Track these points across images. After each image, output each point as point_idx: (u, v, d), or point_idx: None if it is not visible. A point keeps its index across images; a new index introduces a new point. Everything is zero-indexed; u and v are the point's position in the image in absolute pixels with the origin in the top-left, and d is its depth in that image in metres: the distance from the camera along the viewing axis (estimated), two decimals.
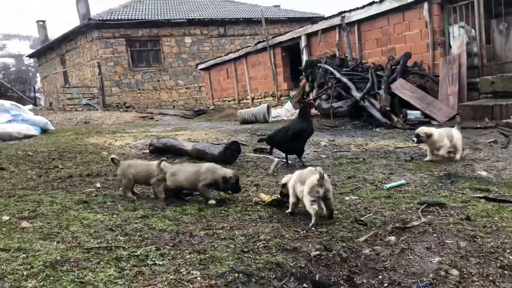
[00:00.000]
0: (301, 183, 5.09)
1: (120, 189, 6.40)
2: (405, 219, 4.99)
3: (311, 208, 5.01)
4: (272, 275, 3.69)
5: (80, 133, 14.80)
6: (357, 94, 13.91)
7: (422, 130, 7.83)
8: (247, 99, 24.92)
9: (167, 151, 9.31)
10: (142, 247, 4.18)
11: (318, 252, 4.17)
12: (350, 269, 3.90)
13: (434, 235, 4.52)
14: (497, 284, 3.47)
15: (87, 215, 5.25)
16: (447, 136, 7.75)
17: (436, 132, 7.75)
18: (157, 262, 3.83)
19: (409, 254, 4.11)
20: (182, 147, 9.10)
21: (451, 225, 4.76)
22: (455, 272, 3.68)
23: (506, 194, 5.81)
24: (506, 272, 3.68)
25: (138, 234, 4.58)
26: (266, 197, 5.83)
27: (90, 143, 11.91)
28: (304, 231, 4.74)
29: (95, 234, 4.57)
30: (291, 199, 5.32)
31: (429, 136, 7.70)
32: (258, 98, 23.92)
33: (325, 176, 5.01)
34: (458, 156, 7.81)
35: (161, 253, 4.04)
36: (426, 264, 3.89)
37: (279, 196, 5.71)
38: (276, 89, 22.25)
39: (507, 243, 4.22)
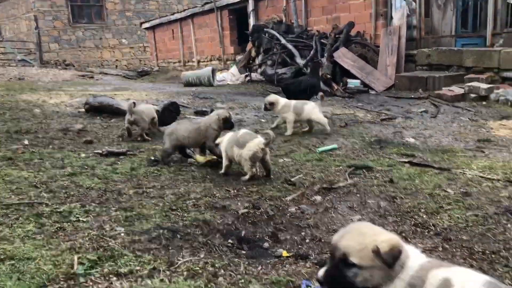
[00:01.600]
0: (239, 146, 5.11)
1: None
2: (333, 180, 5.19)
3: (250, 171, 5.10)
4: (198, 232, 3.73)
5: (12, 89, 13.95)
6: (301, 61, 14.03)
7: (268, 98, 7.87)
8: (192, 61, 24.42)
9: (104, 110, 9.02)
10: (67, 204, 4.08)
11: (246, 210, 4.26)
12: (276, 226, 4.02)
13: (358, 195, 4.74)
14: (409, 240, 3.71)
15: (10, 171, 5.03)
16: (294, 109, 7.62)
17: (281, 102, 7.71)
18: (80, 219, 3.77)
19: (332, 212, 4.29)
20: (120, 107, 8.85)
21: (375, 186, 5.00)
22: None
23: (429, 159, 6.16)
24: (418, 229, 3.94)
25: (63, 191, 4.46)
26: (200, 158, 5.84)
27: (22, 100, 11.29)
28: (235, 191, 4.82)
29: (17, 190, 4.41)
30: (225, 162, 5.36)
31: (271, 104, 7.73)
32: (204, 61, 23.52)
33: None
34: (327, 129, 7.64)
35: (85, 210, 3.97)
36: (347, 221, 4.07)
37: (213, 157, 5.73)
38: (223, 52, 21.94)
39: (423, 203, 4.50)
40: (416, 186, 5.02)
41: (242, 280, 2.96)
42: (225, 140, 5.30)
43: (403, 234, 3.82)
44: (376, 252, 1.87)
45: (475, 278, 1.91)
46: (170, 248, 3.36)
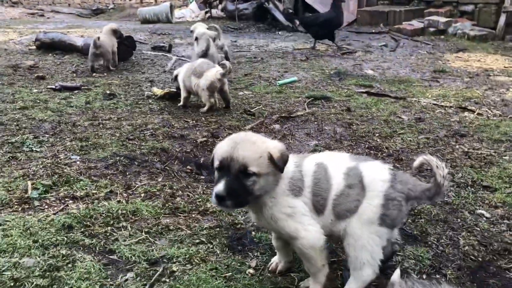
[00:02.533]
0: (196, 75, 5.02)
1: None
2: (292, 110, 5.23)
3: (208, 101, 5.05)
4: (156, 159, 3.73)
5: None
6: None
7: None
8: None
9: (56, 47, 8.58)
10: (19, 136, 3.96)
11: (205, 139, 4.26)
12: None
13: (315, 123, 4.81)
14: None
15: None
16: None
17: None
18: (34, 149, 3.68)
19: (290, 139, 4.35)
20: (72, 43, 8.44)
21: (332, 115, 5.08)
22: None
23: (386, 89, 6.27)
24: (372, 151, 4.07)
25: (15, 123, 4.31)
26: (158, 91, 5.72)
27: None
28: (194, 121, 4.79)
29: None
30: (183, 93, 5.27)
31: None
32: None
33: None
34: None
35: (39, 141, 3.86)
36: (304, 147, 4.16)
37: (172, 89, 5.62)
38: None
39: (377, 128, 4.63)
40: (372, 114, 5.14)
41: (200, 199, 3.01)
42: (182, 71, 5.19)
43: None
44: (271, 158, 1.91)
45: (342, 155, 2.17)
46: (127, 173, 3.35)
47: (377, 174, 2.02)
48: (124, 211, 2.77)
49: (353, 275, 2.04)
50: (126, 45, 7.88)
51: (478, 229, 2.79)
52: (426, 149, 4.11)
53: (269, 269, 2.30)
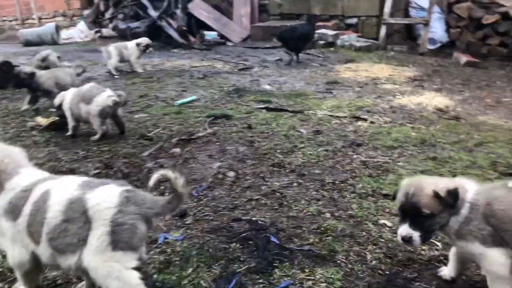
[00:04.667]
0: (85, 102, 4.63)
1: None
2: (192, 131, 5.05)
3: (100, 129, 4.68)
4: None
5: None
6: (154, 13, 13.31)
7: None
8: (33, 18, 21.74)
9: None
10: None
11: (98, 171, 3.92)
12: (132, 184, 3.76)
13: (217, 143, 4.67)
14: (266, 180, 3.77)
15: None
16: None
17: None
18: None
19: (192, 163, 4.17)
20: None
21: (234, 133, 4.99)
22: (231, 173, 3.88)
23: (284, 104, 6.35)
24: (275, 169, 4.02)
25: None
26: (43, 121, 5.21)
27: None
28: (85, 152, 4.40)
29: None
30: (71, 122, 4.83)
31: None
32: (46, 18, 21.06)
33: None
34: None
35: None
36: (207, 170, 4.00)
37: (57, 118, 5.14)
38: (68, 7, 19.87)
39: (279, 144, 4.62)
40: (272, 130, 5.13)
41: None
42: (67, 98, 4.76)
43: (261, 175, 3.87)
44: None
45: (73, 182, 2.06)
46: None
47: (103, 202, 1.93)
48: (1, 268, 2.38)
49: None
50: (4, 71, 7.13)
51: (383, 240, 2.82)
52: (326, 161, 4.16)
53: None
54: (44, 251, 2.00)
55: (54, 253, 1.98)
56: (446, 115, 5.77)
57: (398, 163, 4.12)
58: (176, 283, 2.36)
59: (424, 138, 4.80)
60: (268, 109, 6.09)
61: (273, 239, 2.68)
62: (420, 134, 4.95)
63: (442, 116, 5.71)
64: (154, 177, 2.05)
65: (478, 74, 8.63)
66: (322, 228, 2.90)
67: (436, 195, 2.01)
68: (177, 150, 4.47)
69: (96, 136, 4.71)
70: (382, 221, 3.06)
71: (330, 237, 2.81)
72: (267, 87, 7.48)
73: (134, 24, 13.64)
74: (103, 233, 1.89)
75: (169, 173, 2.02)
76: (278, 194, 3.46)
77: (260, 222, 2.97)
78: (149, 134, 4.90)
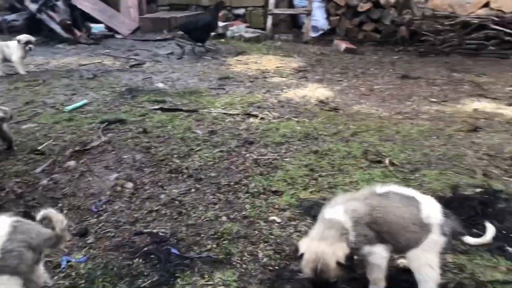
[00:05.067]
0: None
1: None
2: (86, 141, 5.01)
3: None
4: None
5: None
6: (32, 5, 12.42)
7: None
8: None
9: None
10: None
11: None
12: (27, 204, 3.72)
13: (113, 152, 4.72)
14: (165, 188, 3.96)
15: None
16: None
17: None
18: None
19: (89, 176, 4.20)
20: None
21: (129, 140, 5.06)
22: (130, 184, 4.00)
23: (178, 103, 6.50)
24: (173, 175, 4.22)
25: None
26: None
27: None
28: None
29: None
30: None
31: None
32: None
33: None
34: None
35: None
36: (105, 182, 4.07)
37: None
38: None
39: (175, 149, 4.80)
40: (168, 133, 5.28)
41: None
42: None
43: (160, 183, 4.04)
44: None
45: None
46: None
47: None
48: None
49: None
50: None
51: (273, 237, 3.19)
52: (221, 163, 4.45)
53: None
54: None
55: None
56: (326, 107, 6.35)
57: (285, 159, 4.54)
58: None
59: (308, 132, 5.29)
60: (162, 109, 6.19)
61: (173, 250, 2.90)
62: (304, 128, 5.44)
63: (323, 108, 6.28)
64: (41, 214, 2.26)
65: (355, 62, 9.49)
66: (219, 233, 3.19)
67: (339, 264, 2.24)
68: (72, 163, 4.45)
69: None
70: (272, 218, 3.43)
71: (226, 241, 3.11)
72: (161, 85, 7.54)
73: (10, 17, 12.64)
74: None
75: (52, 215, 2.23)
76: (177, 202, 3.67)
77: (161, 233, 3.17)
78: (40, 148, 4.78)
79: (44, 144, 4.90)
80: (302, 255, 2.29)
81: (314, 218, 2.77)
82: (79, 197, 3.84)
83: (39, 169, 4.28)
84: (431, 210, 2.44)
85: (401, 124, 5.65)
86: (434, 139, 5.14)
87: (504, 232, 3.15)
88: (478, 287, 2.57)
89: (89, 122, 5.65)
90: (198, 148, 4.83)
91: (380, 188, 2.53)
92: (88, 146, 4.84)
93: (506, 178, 4.06)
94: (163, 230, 3.22)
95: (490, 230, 2.52)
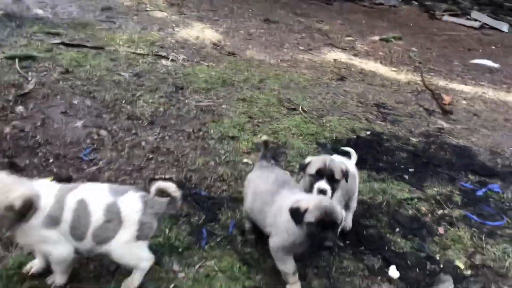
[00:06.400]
0: None
1: None
2: (14, 82, 4.77)
3: None
4: None
5: None
6: None
7: None
8: None
9: None
10: None
11: None
12: (6, 155, 3.71)
13: (58, 97, 4.70)
14: (139, 135, 4.31)
15: None
16: None
17: None
18: None
19: (52, 123, 4.23)
20: None
21: (61, 82, 4.99)
22: (104, 132, 4.24)
23: (76, 37, 6.31)
24: (134, 121, 4.53)
25: None
26: None
27: None
28: None
29: None
30: None
31: None
32: None
33: None
34: None
35: None
36: (75, 130, 4.20)
37: None
38: None
39: (117, 93, 4.98)
40: (93, 74, 5.31)
41: None
42: None
43: (132, 131, 4.35)
44: (11, 208, 2.21)
45: (100, 187, 2.56)
46: None
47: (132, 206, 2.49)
48: None
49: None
50: None
51: None
52: (169, 109, 4.89)
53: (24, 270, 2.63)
54: (86, 245, 2.44)
55: (94, 245, 2.45)
56: (223, 51, 7.09)
57: (222, 106, 5.26)
58: None
59: (223, 78, 6.01)
60: (65, 44, 6.00)
61: (203, 193, 3.58)
62: (217, 73, 6.12)
63: (221, 52, 7.01)
64: (153, 188, 2.53)
65: None
66: (220, 176, 3.93)
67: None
68: (21, 108, 4.34)
69: None
70: (245, 160, 4.26)
71: (232, 182, 3.89)
72: (40, 11, 7.00)
73: None
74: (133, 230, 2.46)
75: (163, 185, 2.54)
76: (164, 149, 4.14)
77: (174, 179, 3.74)
78: None
79: None
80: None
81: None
82: (56, 145, 3.95)
83: None
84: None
85: (289, 72, 6.83)
86: (318, 87, 6.49)
87: (395, 164, 4.71)
88: (397, 204, 4.00)
89: None
90: (138, 93, 5.13)
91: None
92: (25, 89, 4.67)
93: (379, 122, 5.68)
94: (173, 176, 3.78)
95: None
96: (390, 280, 3.09)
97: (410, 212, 3.89)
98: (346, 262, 3.16)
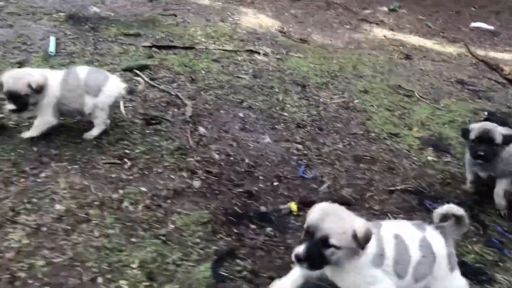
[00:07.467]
0: (92, 93, 3.42)
1: None
2: (166, 98, 4.35)
3: (104, 123, 3.54)
4: None
5: None
6: None
7: None
8: None
9: None
10: None
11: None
12: (235, 183, 3.46)
13: (222, 112, 4.36)
14: (320, 140, 4.21)
15: None
16: None
17: None
18: None
19: (245, 142, 3.96)
20: None
21: (203, 92, 4.62)
22: (299, 146, 4.07)
23: (149, 34, 5.75)
24: (305, 129, 4.38)
25: None
26: None
27: None
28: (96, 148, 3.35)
29: None
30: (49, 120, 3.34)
31: None
32: None
33: None
34: None
35: None
36: (271, 147, 3.98)
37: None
38: None
39: (264, 101, 4.74)
40: (222, 80, 4.96)
41: None
42: (54, 90, 3.26)
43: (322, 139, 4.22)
44: (355, 236, 2.17)
45: (409, 225, 2.54)
46: None
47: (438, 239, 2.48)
48: None
49: None
50: None
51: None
52: (317, 111, 4.78)
53: None
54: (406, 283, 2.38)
55: (412, 282, 2.39)
56: (294, 39, 6.89)
57: (356, 101, 5.20)
58: None
59: (325, 70, 5.89)
60: (156, 47, 5.50)
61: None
62: (315, 65, 5.96)
63: (295, 40, 6.81)
64: (438, 213, 2.52)
65: None
66: None
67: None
68: (202, 130, 4.01)
69: (95, 132, 3.52)
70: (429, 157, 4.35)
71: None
72: (96, 9, 6.27)
73: None
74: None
75: (454, 210, 2.47)
76: (369, 158, 4.11)
77: None
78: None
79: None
80: None
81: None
82: (268, 166, 3.73)
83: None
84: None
85: (363, 54, 6.83)
86: (398, 68, 6.58)
87: None
88: None
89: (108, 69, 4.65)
90: (280, 97, 4.89)
91: None
92: (188, 109, 4.26)
93: (478, 100, 5.88)
94: (407, 186, 3.79)
95: None
96: None
97: None
98: None
